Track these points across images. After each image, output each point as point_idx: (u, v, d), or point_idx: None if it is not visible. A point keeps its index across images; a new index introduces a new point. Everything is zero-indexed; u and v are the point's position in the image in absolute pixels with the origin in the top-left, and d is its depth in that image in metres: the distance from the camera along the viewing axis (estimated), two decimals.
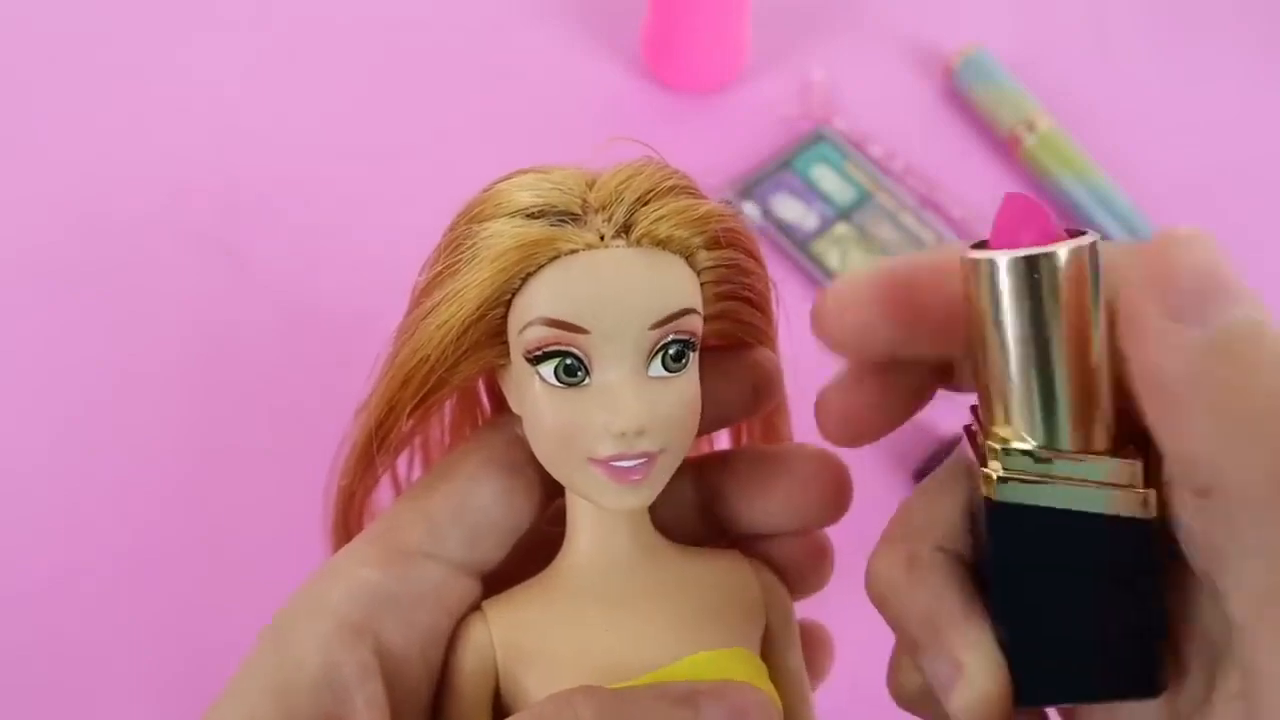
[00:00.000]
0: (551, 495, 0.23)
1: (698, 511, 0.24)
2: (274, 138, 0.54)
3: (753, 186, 0.53)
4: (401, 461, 0.26)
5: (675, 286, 0.20)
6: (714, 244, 0.21)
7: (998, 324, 0.18)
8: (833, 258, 0.52)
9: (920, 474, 0.46)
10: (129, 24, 0.57)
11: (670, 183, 0.21)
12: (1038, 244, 0.18)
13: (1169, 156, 0.57)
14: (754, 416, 0.25)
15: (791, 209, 0.53)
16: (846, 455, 0.24)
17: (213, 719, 0.19)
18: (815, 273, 0.51)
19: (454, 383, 0.22)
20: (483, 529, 0.22)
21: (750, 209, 0.52)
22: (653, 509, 0.22)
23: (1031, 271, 0.18)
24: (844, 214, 0.53)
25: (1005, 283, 0.18)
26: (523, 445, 0.22)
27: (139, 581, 0.42)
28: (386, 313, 0.54)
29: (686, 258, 0.21)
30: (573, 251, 0.20)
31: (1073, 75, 0.59)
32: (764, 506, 0.23)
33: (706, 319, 0.22)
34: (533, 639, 0.21)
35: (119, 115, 0.54)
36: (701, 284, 0.21)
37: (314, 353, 0.48)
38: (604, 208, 0.20)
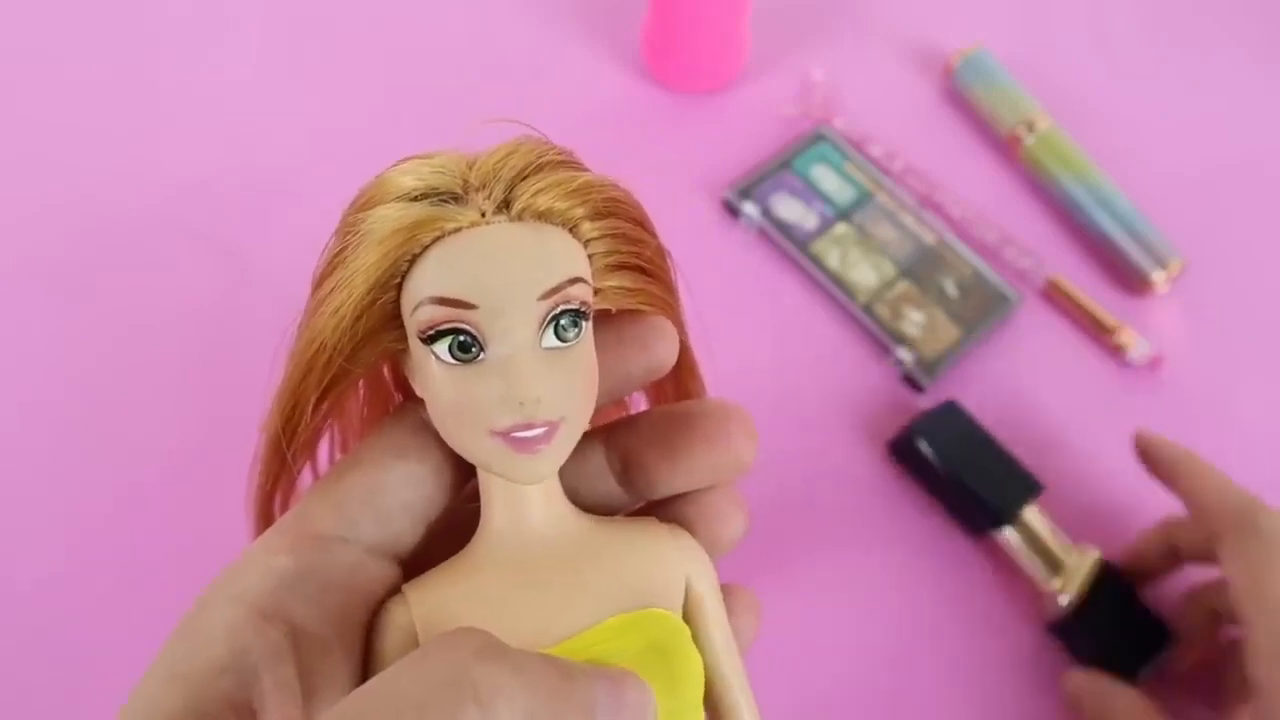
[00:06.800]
0: (465, 476, 0.23)
1: (612, 478, 0.24)
2: (274, 138, 0.54)
3: (753, 186, 0.53)
4: (323, 457, 0.26)
5: (560, 257, 0.21)
6: (597, 214, 0.21)
7: None
8: (833, 258, 0.52)
9: (894, 447, 0.47)
10: (130, 24, 0.57)
11: (549, 157, 0.21)
12: None
13: (1169, 156, 0.57)
14: (652, 382, 0.25)
15: (791, 209, 0.53)
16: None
17: (122, 714, 0.19)
18: (815, 273, 0.51)
19: (357, 371, 0.22)
20: (394, 512, 0.22)
21: (750, 209, 0.52)
22: (567, 480, 0.23)
23: None
24: (844, 214, 0.53)
25: None
26: (429, 429, 0.22)
27: (138, 580, 0.42)
28: None
29: (570, 229, 0.21)
30: (456, 230, 0.20)
31: (1073, 75, 0.59)
32: (675, 466, 0.24)
33: (599, 290, 0.22)
34: (452, 618, 0.21)
35: (119, 115, 0.54)
36: (590, 255, 0.22)
37: None
38: (484, 185, 0.21)
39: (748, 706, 0.23)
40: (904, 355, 0.49)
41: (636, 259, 0.22)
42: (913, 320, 0.50)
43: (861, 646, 0.43)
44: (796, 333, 0.51)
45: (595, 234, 0.21)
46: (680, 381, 0.27)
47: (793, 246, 0.52)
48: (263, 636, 0.19)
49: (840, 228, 0.53)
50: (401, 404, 0.24)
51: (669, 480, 0.24)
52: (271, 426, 0.23)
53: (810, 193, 0.54)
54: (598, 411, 0.23)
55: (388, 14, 0.59)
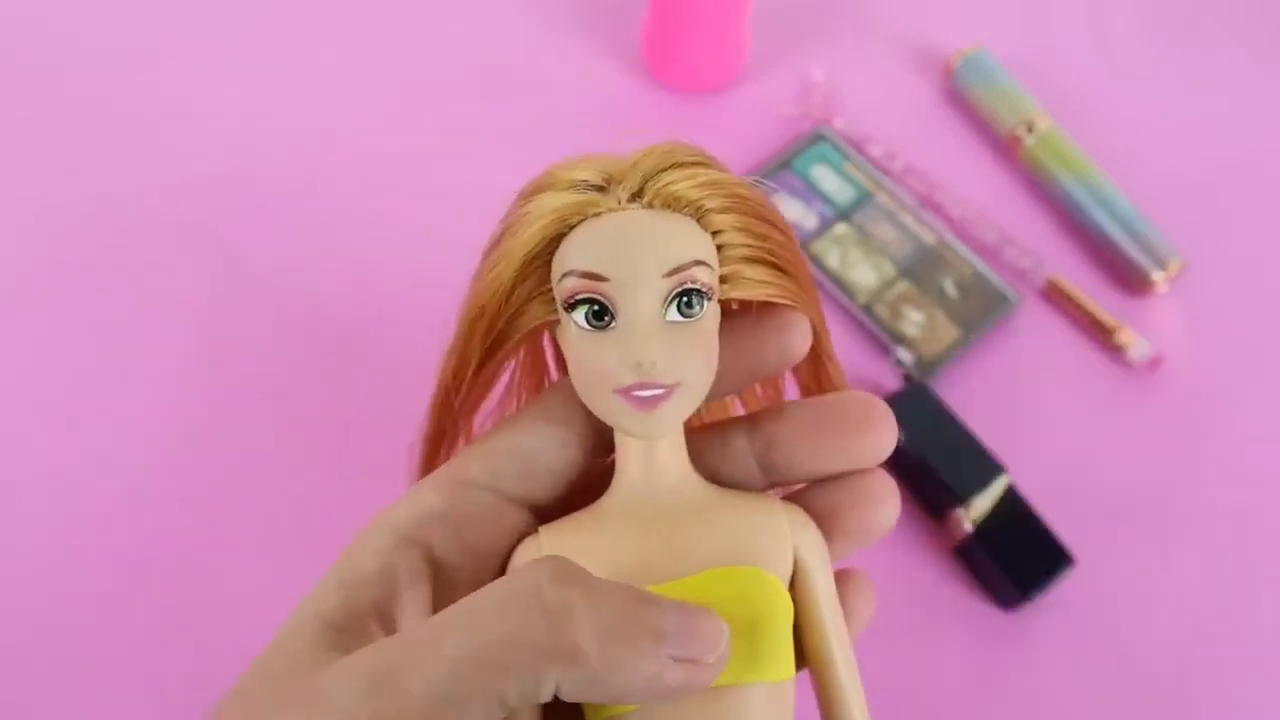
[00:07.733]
0: (605, 444, 0.26)
1: (753, 461, 0.26)
2: (275, 138, 0.54)
3: None
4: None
5: (684, 240, 0.23)
6: (724, 209, 0.24)
7: None
8: (833, 258, 0.52)
9: None
10: (130, 23, 0.57)
11: (681, 157, 0.24)
12: None
13: (1169, 156, 0.57)
14: (801, 384, 0.29)
15: (791, 209, 0.53)
16: None
17: (299, 607, 0.23)
18: (815, 273, 0.51)
19: (515, 336, 0.25)
20: (535, 468, 0.25)
21: None
22: (709, 462, 0.26)
23: None
24: (844, 214, 0.53)
25: None
26: (575, 400, 0.25)
27: (138, 580, 0.43)
28: (386, 311, 0.54)
29: (699, 219, 0.24)
30: (596, 214, 0.23)
31: (1073, 75, 0.59)
32: (817, 447, 0.26)
33: (734, 279, 0.24)
34: (573, 555, 0.23)
35: (120, 115, 0.54)
36: (723, 245, 0.24)
37: (313, 352, 0.48)
38: (624, 179, 0.24)
39: (850, 681, 0.24)
40: (904, 355, 0.49)
41: (768, 254, 0.25)
42: (913, 320, 0.50)
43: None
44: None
45: (723, 226, 0.24)
46: (819, 376, 0.29)
47: None
48: (405, 558, 0.23)
49: (840, 228, 0.53)
50: (559, 379, 0.27)
51: (808, 462, 0.26)
52: (442, 381, 0.26)
53: (810, 193, 0.54)
54: (736, 394, 0.27)
55: (387, 15, 0.59)
